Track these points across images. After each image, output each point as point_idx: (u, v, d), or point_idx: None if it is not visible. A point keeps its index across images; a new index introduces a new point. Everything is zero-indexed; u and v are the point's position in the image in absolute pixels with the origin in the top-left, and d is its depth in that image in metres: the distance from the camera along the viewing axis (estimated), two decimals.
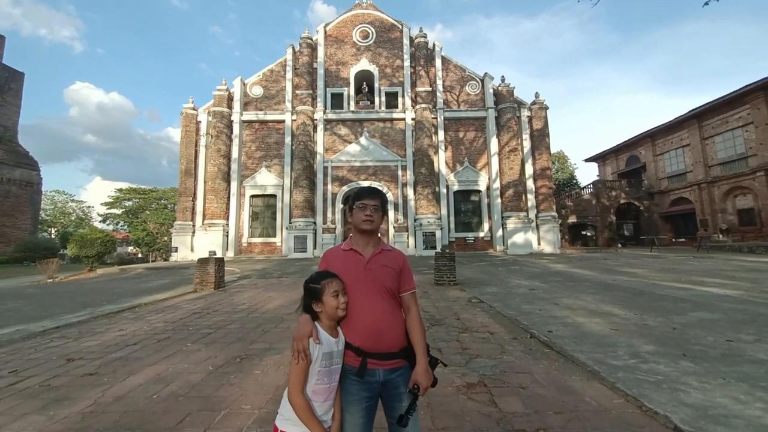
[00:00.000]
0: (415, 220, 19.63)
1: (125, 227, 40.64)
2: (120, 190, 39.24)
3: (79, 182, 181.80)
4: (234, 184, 20.23)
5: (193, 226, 19.97)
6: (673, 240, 25.40)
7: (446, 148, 20.91)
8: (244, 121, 21.03)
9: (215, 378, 3.18)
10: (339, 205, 20.06)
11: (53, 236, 39.98)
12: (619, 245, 24.61)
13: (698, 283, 7.94)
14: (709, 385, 2.75)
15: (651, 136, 27.87)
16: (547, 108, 21.03)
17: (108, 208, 39.33)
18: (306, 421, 1.26)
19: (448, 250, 9.54)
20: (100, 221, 41.97)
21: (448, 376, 3.10)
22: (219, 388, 2.94)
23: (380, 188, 18.63)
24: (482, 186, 20.65)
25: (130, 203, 38.92)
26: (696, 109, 23.39)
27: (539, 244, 19.63)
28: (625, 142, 30.53)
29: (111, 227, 40.63)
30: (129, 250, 43.52)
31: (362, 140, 20.74)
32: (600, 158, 34.39)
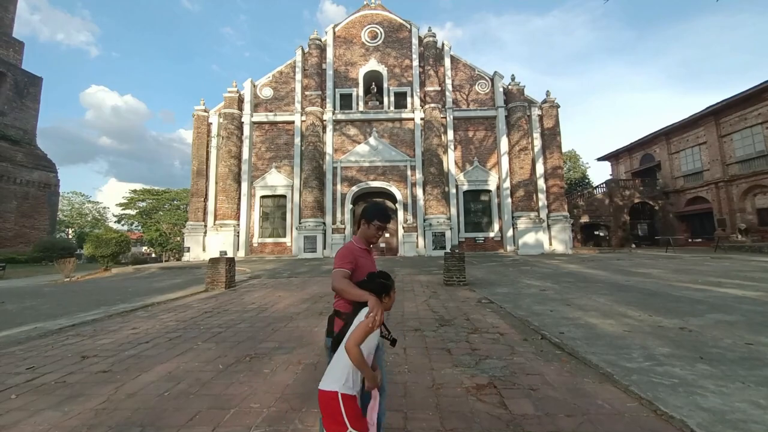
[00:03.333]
0: (424, 220, 19.57)
1: (139, 228, 41.44)
2: (134, 191, 40.03)
3: (94, 184, 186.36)
4: (244, 185, 20.46)
5: (205, 226, 20.25)
6: (689, 240, 24.82)
7: (455, 148, 20.81)
8: (254, 123, 21.25)
9: (225, 376, 3.21)
10: (348, 206, 20.12)
11: (70, 236, 41.02)
12: (633, 245, 24.16)
13: (715, 284, 7.73)
14: (727, 389, 2.67)
15: (666, 134, 27.28)
16: (558, 106, 20.76)
17: (123, 209, 40.15)
18: (363, 367, 1.54)
19: (457, 251, 9.48)
20: (115, 222, 42.88)
21: (457, 377, 3.07)
22: (229, 387, 2.96)
23: (389, 188, 18.54)
24: (492, 186, 20.48)
25: (144, 204, 39.67)
26: (713, 105, 22.82)
27: (551, 244, 19.39)
28: (639, 140, 29.95)
29: (125, 228, 41.47)
30: (143, 250, 44.33)
31: (371, 140, 20.77)
32: (613, 157, 33.80)
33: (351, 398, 1.51)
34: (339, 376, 1.53)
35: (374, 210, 1.95)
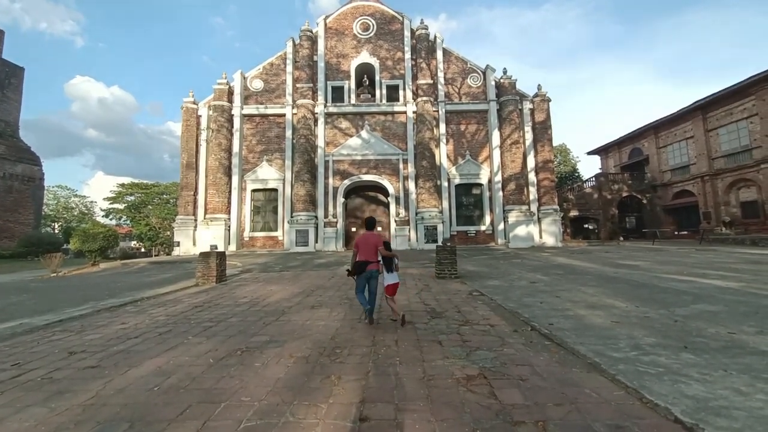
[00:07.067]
0: (416, 213, 19.60)
1: (128, 222, 40.75)
2: (122, 185, 39.28)
3: (81, 177, 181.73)
4: (235, 178, 20.23)
5: (195, 220, 20.03)
6: (676, 233, 25.32)
7: (448, 142, 20.81)
8: (245, 115, 20.96)
9: (216, 370, 3.18)
10: (341, 199, 20.04)
11: (56, 231, 40.20)
12: (621, 238, 24.55)
13: (700, 275, 7.91)
14: (711, 376, 2.74)
15: (654, 129, 27.66)
16: (549, 100, 20.87)
17: (110, 203, 39.40)
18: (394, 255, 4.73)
19: (449, 244, 9.53)
20: (102, 216, 42.10)
21: (448, 368, 3.10)
22: (219, 381, 2.95)
23: (381, 182, 18.53)
24: (484, 179, 20.58)
25: (133, 198, 38.97)
26: (700, 100, 23.17)
27: (541, 237, 19.61)
28: (628, 134, 30.32)
29: (114, 222, 40.76)
30: (132, 245, 43.71)
31: (363, 134, 20.65)
32: (602, 151, 34.19)
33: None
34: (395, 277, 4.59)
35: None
